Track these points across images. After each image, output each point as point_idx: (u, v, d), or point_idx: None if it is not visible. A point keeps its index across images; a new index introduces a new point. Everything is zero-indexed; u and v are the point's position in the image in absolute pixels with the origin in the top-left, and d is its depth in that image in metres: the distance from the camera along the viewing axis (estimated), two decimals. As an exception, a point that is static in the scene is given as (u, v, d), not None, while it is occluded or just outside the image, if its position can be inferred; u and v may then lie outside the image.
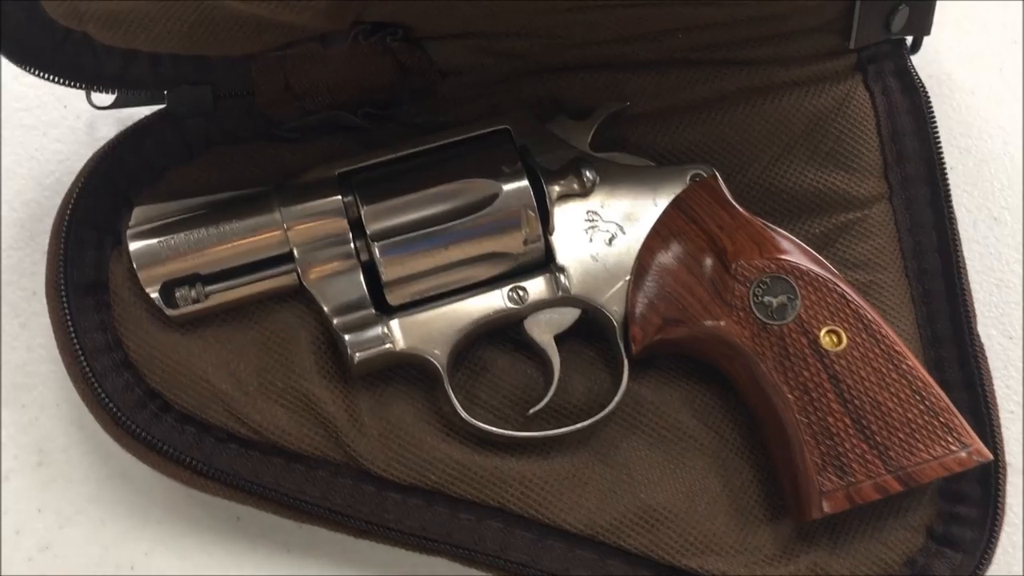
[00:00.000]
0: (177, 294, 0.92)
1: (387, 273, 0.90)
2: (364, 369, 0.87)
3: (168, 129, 0.86)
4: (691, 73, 0.86)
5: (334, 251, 0.84)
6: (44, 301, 0.92)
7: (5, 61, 0.86)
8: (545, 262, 0.83)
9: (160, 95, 0.83)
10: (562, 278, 0.85)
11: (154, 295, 0.92)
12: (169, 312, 0.92)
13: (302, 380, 0.89)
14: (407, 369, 0.86)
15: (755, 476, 0.84)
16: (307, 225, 0.83)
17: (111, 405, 0.89)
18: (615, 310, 0.83)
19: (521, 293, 0.87)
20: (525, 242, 0.85)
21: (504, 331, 0.86)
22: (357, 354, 0.90)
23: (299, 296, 0.84)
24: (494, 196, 0.85)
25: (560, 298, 0.86)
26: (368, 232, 0.90)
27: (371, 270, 0.81)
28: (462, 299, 0.85)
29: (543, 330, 0.86)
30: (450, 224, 0.89)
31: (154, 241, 0.91)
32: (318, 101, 0.94)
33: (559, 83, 0.85)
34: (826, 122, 0.86)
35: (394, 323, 0.88)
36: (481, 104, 0.88)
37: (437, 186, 0.83)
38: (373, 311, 0.92)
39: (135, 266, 0.91)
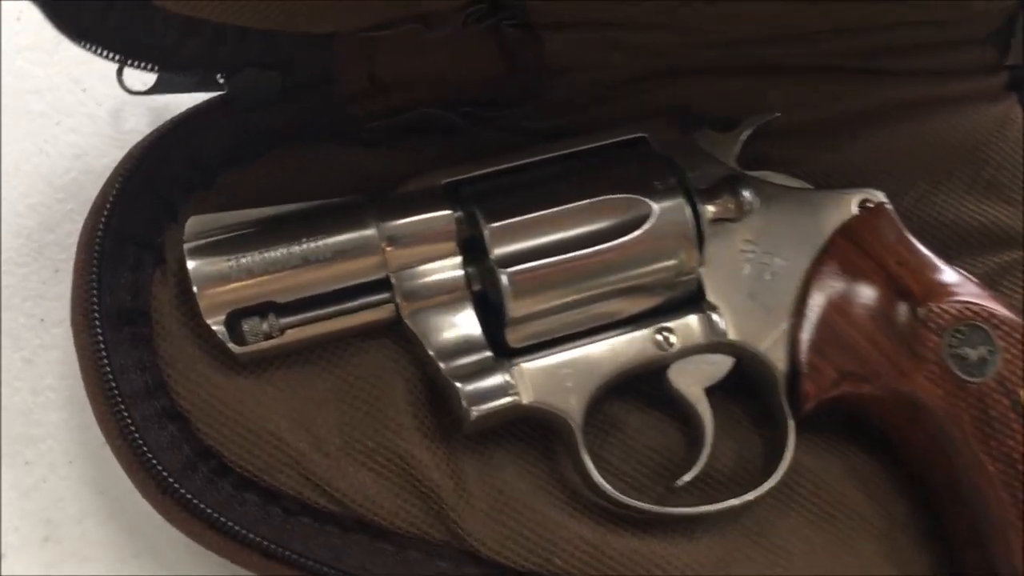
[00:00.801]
0: (245, 327, 0.72)
1: (514, 308, 0.72)
2: (479, 427, 0.69)
3: (224, 122, 0.72)
4: (840, 83, 0.77)
5: (442, 278, 0.70)
6: (52, 330, 0.74)
7: (6, 29, 0.68)
8: (696, 299, 0.72)
9: (213, 80, 0.69)
10: (716, 319, 0.73)
11: (218, 328, 0.71)
12: (235, 349, 0.71)
13: (397, 438, 0.71)
14: (518, 426, 0.72)
15: (931, 563, 0.71)
16: (410, 247, 0.69)
17: (156, 464, 0.68)
18: (777, 359, 0.71)
19: (668, 335, 0.75)
20: (677, 274, 0.73)
21: (638, 382, 0.73)
22: (474, 409, 0.71)
23: (393, 334, 0.70)
24: (645, 217, 0.72)
25: (713, 343, 0.73)
26: (492, 256, 0.72)
27: (483, 302, 0.69)
28: (597, 341, 0.73)
29: (691, 381, 0.73)
30: (592, 250, 0.73)
31: (220, 260, 0.71)
32: (410, 96, 0.78)
33: (691, 88, 0.75)
34: (986, 146, 0.78)
35: (518, 370, 0.74)
36: (598, 110, 0.77)
37: (575, 202, 0.70)
38: (490, 354, 0.73)
39: (196, 289, 0.70)
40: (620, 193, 0.74)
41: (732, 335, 0.71)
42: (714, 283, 0.71)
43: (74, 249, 0.65)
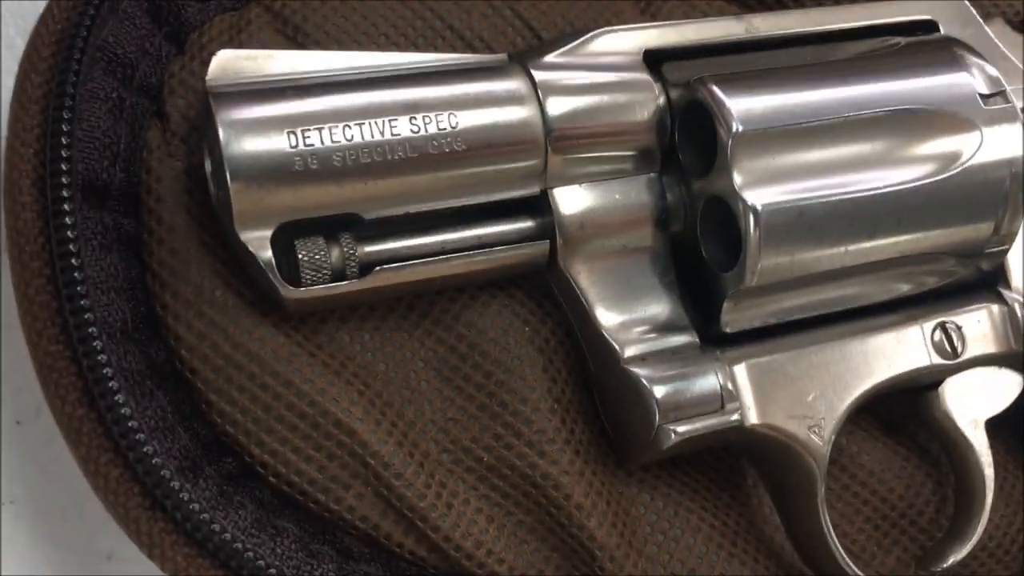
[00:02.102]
0: (302, 254, 0.41)
1: (755, 264, 0.44)
2: (670, 453, 0.45)
3: None
4: None
5: (631, 202, 0.45)
6: None
7: None
8: (994, 282, 0.49)
9: None
10: (1020, 315, 0.49)
11: (260, 252, 0.40)
12: (285, 293, 0.41)
13: (532, 453, 0.46)
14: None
15: None
16: (585, 141, 0.44)
17: (143, 458, 0.40)
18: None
19: (953, 335, 0.50)
20: (987, 241, 0.48)
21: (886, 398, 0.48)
22: (674, 428, 0.44)
23: (528, 283, 0.46)
24: (965, 147, 0.47)
25: (1010, 352, 0.50)
26: (737, 177, 0.43)
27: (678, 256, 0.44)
28: (856, 336, 0.48)
29: (969, 407, 0.50)
30: (886, 187, 0.45)
31: (272, 128, 0.40)
32: None
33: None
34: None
35: (738, 371, 0.45)
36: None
37: (858, 109, 0.45)
38: (695, 339, 0.45)
39: (230, 179, 0.40)
40: (928, 104, 0.46)
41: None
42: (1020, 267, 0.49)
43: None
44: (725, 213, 0.44)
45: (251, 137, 0.39)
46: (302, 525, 0.43)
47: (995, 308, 0.49)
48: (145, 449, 0.39)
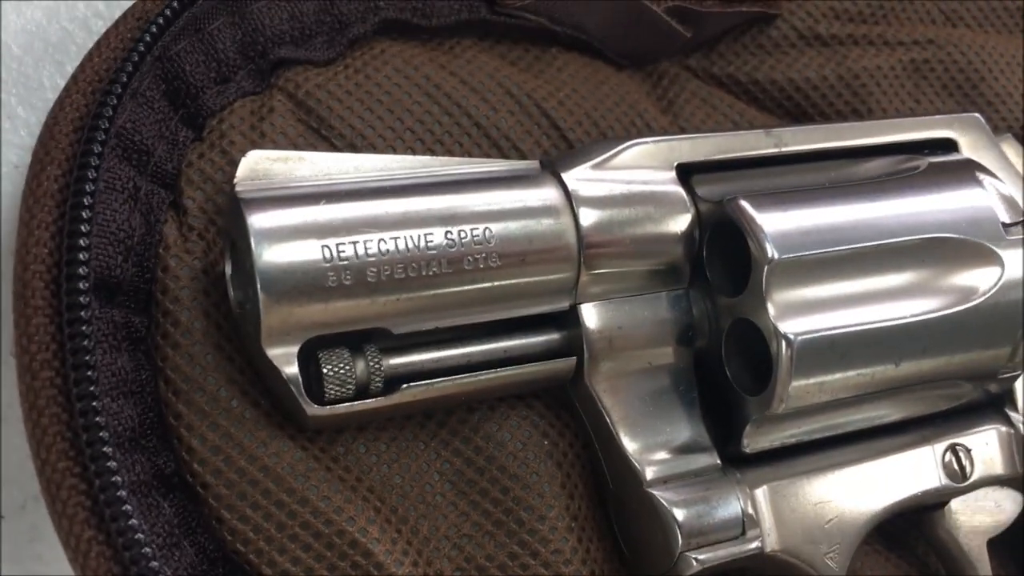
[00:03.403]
0: (327, 369, 0.38)
1: (785, 390, 0.42)
2: None
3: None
4: None
5: (660, 324, 0.44)
6: None
7: None
8: (1000, 403, 0.48)
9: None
10: None
11: (287, 368, 0.37)
12: (310, 410, 0.38)
13: (546, 572, 0.43)
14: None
15: None
16: (619, 253, 0.42)
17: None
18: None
19: (962, 457, 0.49)
20: (1005, 365, 0.47)
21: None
22: (696, 556, 0.42)
23: (549, 396, 0.44)
24: (996, 275, 0.46)
25: (1015, 475, 0.49)
26: (772, 306, 0.42)
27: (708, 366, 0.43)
28: (869, 458, 0.47)
29: (974, 527, 0.49)
30: (916, 317, 0.44)
31: (308, 237, 0.38)
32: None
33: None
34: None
35: (760, 494, 0.43)
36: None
37: (895, 236, 0.44)
38: (718, 461, 0.44)
39: (260, 288, 0.37)
40: (954, 233, 0.45)
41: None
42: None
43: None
44: (752, 333, 0.42)
45: (284, 248, 0.36)
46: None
47: (1002, 430, 0.48)
48: (151, 564, 0.35)
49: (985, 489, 0.48)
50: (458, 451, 0.42)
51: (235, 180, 0.38)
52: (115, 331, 0.39)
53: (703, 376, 0.44)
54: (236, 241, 0.37)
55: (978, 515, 0.48)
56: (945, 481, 0.47)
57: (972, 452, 0.47)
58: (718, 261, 0.44)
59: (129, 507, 0.35)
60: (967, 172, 0.47)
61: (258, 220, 0.36)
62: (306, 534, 0.39)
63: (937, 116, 0.50)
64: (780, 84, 0.52)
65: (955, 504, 0.48)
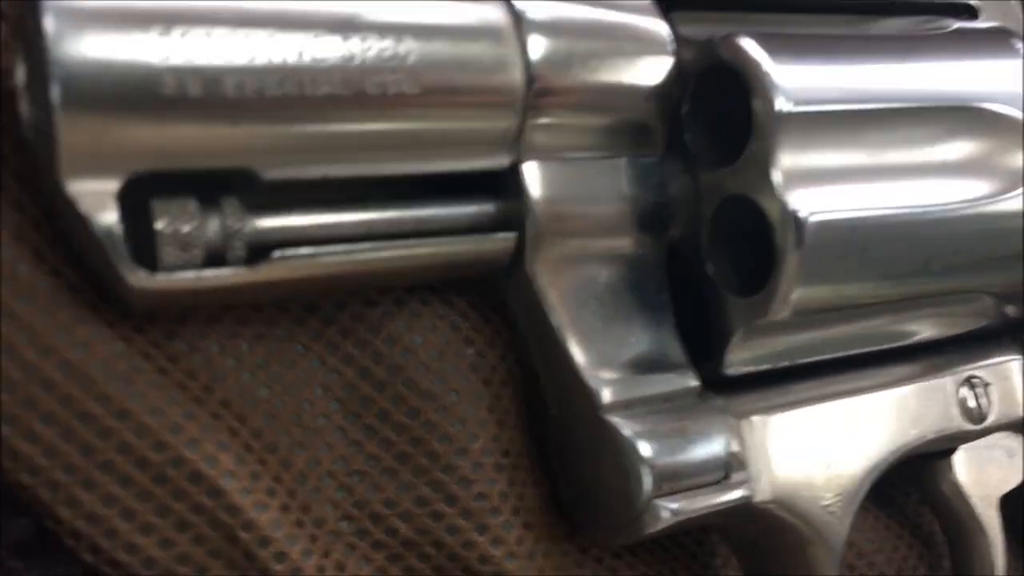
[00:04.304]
0: (163, 221, 0.26)
1: (789, 292, 0.31)
2: (659, 534, 0.31)
3: None
4: None
5: (625, 198, 0.33)
6: None
7: None
8: (1021, 332, 0.39)
9: None
10: None
11: (103, 216, 0.25)
12: (134, 279, 0.26)
13: (467, 524, 0.32)
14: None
15: None
16: (569, 99, 0.31)
17: None
18: None
19: (979, 391, 0.39)
20: None
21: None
22: (669, 506, 0.28)
23: (469, 293, 0.32)
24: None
25: None
26: (778, 169, 0.31)
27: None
28: (874, 390, 0.36)
29: (981, 480, 0.40)
30: (951, 208, 0.33)
31: (137, 26, 0.25)
32: None
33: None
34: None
35: (747, 428, 0.32)
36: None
37: (923, 100, 0.34)
38: (697, 383, 0.31)
39: (57, 88, 0.24)
40: (991, 104, 0.35)
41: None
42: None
43: None
44: (743, 218, 0.30)
45: (98, 34, 0.22)
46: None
47: (1022, 362, 0.36)
48: None
49: (997, 435, 0.37)
50: (350, 358, 0.29)
51: None
52: None
53: (675, 275, 0.32)
54: (26, 26, 0.23)
55: (989, 467, 0.38)
56: (962, 423, 0.35)
57: (991, 388, 0.36)
58: (701, 124, 0.32)
59: None
60: (1002, 39, 0.36)
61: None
62: (126, 461, 0.26)
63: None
64: None
65: (962, 453, 0.37)
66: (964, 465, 0.39)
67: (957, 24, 0.38)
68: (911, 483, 0.40)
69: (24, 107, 0.26)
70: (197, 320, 0.29)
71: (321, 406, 0.30)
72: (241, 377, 0.29)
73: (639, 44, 0.32)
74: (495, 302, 0.33)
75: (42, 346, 0.26)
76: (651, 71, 0.32)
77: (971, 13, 0.40)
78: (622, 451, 0.30)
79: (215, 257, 0.27)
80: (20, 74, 0.27)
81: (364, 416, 0.31)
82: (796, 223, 0.30)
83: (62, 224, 0.26)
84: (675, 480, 0.31)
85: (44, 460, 0.26)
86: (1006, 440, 0.40)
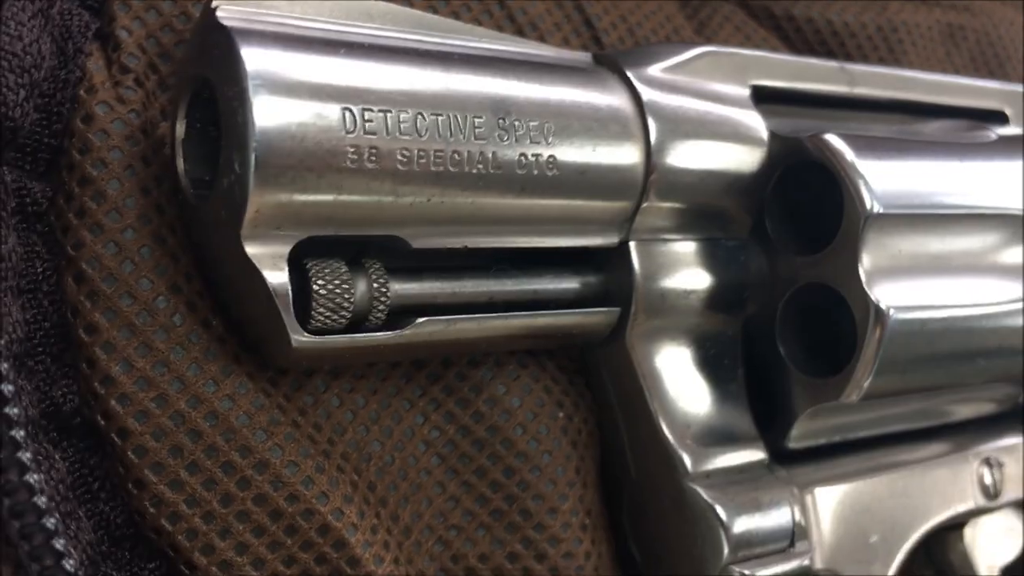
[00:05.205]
0: (319, 283, 0.27)
1: (865, 378, 0.34)
2: None
3: None
4: None
5: (720, 278, 0.35)
6: None
7: None
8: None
9: None
10: None
11: (275, 276, 0.25)
12: (297, 339, 0.26)
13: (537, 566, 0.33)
14: None
15: None
16: (687, 195, 0.33)
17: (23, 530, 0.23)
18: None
19: (994, 471, 0.43)
20: None
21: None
22: (743, 572, 0.33)
23: (558, 357, 0.34)
24: None
25: None
26: (864, 270, 0.33)
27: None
28: (911, 468, 0.40)
29: (988, 551, 0.43)
30: (1002, 306, 0.37)
31: (328, 101, 0.26)
32: None
33: None
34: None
35: (809, 499, 0.35)
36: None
37: (984, 206, 0.38)
38: (766, 457, 0.34)
39: (253, 154, 0.25)
40: None
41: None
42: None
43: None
44: (815, 304, 0.32)
45: (293, 104, 0.24)
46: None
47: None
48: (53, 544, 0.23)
49: (1007, 511, 0.41)
50: (452, 416, 0.31)
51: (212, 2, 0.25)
52: (1, 199, 0.25)
53: (749, 357, 0.34)
54: (207, 89, 0.25)
55: (995, 539, 0.41)
56: (980, 500, 0.38)
57: (1005, 468, 0.40)
58: (782, 214, 0.34)
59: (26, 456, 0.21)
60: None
61: (257, 59, 0.23)
62: (261, 512, 0.27)
63: (989, 83, 0.42)
64: (816, 24, 0.43)
65: (972, 526, 0.40)
66: (973, 538, 0.42)
67: (999, 131, 0.41)
68: (925, 554, 0.43)
69: (180, 163, 0.27)
70: (321, 374, 0.30)
71: (424, 461, 0.32)
72: (357, 432, 0.30)
73: (739, 133, 0.34)
74: (576, 364, 0.34)
75: (192, 395, 0.27)
76: (746, 162, 0.34)
77: (1002, 119, 0.44)
78: (703, 517, 0.32)
79: (359, 317, 0.28)
80: (179, 129, 0.27)
81: (462, 473, 0.32)
82: (879, 316, 0.33)
83: (223, 277, 0.27)
84: (748, 548, 0.33)
85: (187, 508, 0.27)
86: (1010, 518, 0.43)
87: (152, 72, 0.29)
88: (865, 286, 0.33)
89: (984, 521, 0.42)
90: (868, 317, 0.33)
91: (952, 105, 0.42)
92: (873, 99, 0.39)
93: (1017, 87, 0.45)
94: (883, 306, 0.33)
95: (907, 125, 0.40)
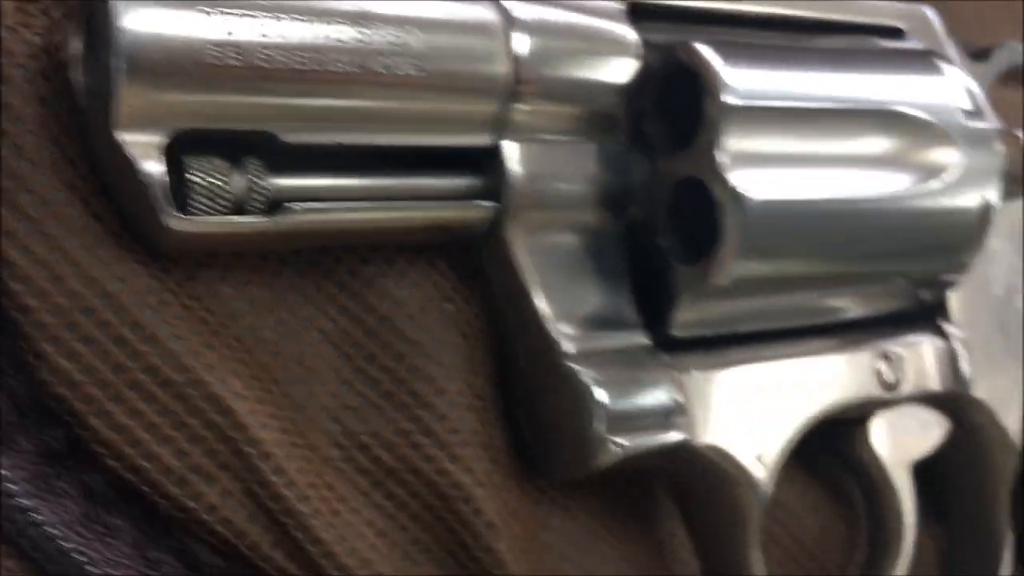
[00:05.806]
0: (197, 175, 0.30)
1: (729, 262, 0.37)
2: (609, 470, 0.36)
3: None
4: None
5: (591, 178, 0.38)
6: None
7: None
8: (933, 316, 0.42)
9: None
10: (960, 353, 0.45)
11: (149, 164, 0.29)
12: (171, 221, 0.30)
13: (441, 454, 0.36)
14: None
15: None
16: (554, 100, 0.35)
17: None
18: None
19: (892, 367, 0.44)
20: (947, 267, 0.42)
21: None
22: (619, 441, 0.36)
23: (448, 257, 0.37)
24: (951, 162, 0.41)
25: (943, 393, 0.45)
26: (720, 152, 0.36)
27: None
28: (805, 353, 0.41)
29: (897, 448, 0.45)
30: (875, 198, 0.39)
31: (188, 4, 0.29)
32: None
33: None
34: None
35: (688, 381, 0.36)
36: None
37: (856, 103, 0.39)
38: (649, 342, 0.37)
39: (119, 51, 0.28)
40: (913, 109, 0.40)
41: (978, 390, 0.44)
42: (964, 299, 0.44)
43: None
44: (697, 200, 0.35)
45: (155, 9, 0.27)
46: (141, 525, 0.31)
47: (936, 343, 0.43)
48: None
49: (912, 407, 0.43)
50: (345, 308, 0.34)
51: None
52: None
53: (634, 253, 0.37)
54: (91, 10, 0.28)
55: (903, 436, 0.43)
56: (875, 391, 0.41)
57: (904, 362, 0.42)
58: (663, 120, 0.37)
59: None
60: (927, 59, 0.41)
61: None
62: (151, 380, 0.30)
63: (888, 2, 0.44)
64: None
65: (879, 421, 0.42)
66: (879, 432, 0.44)
67: (887, 44, 0.43)
68: (833, 451, 0.45)
69: (80, 76, 0.31)
70: (214, 267, 0.34)
71: (319, 348, 0.35)
72: (250, 319, 0.34)
73: (609, 46, 0.37)
74: (471, 267, 0.37)
75: (85, 276, 0.31)
76: (619, 70, 0.37)
77: (898, 35, 0.46)
78: (580, 394, 0.35)
79: (239, 207, 0.31)
80: (74, 45, 0.31)
81: (355, 359, 0.35)
82: (735, 198, 0.35)
83: (107, 178, 0.31)
84: (625, 422, 0.35)
85: (81, 376, 0.30)
86: (922, 414, 0.45)
87: (58, 3, 0.33)
88: (721, 171, 0.35)
89: (891, 416, 0.44)
90: (727, 202, 0.35)
91: (845, 21, 0.44)
92: (761, 16, 0.41)
93: (921, 8, 0.47)
94: (740, 189, 0.35)
95: (799, 39, 0.42)
